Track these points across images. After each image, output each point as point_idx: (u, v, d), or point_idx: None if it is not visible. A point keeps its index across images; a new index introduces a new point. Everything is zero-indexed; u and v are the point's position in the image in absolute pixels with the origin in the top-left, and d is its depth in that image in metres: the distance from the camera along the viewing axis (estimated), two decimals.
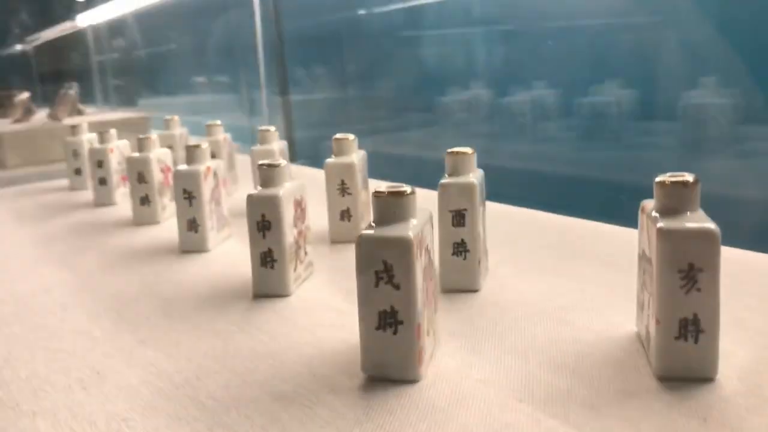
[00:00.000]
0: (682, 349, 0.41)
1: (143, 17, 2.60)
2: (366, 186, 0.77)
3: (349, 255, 0.69)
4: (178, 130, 1.17)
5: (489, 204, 0.62)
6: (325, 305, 0.57)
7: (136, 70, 2.79)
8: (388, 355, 0.43)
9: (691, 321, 0.40)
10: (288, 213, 0.59)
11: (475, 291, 0.58)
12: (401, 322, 0.43)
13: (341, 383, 0.44)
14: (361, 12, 1.56)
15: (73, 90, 1.76)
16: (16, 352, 0.52)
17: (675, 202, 0.42)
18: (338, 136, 0.75)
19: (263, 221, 0.59)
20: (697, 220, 0.40)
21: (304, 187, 0.64)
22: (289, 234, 0.60)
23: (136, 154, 0.90)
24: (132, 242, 0.82)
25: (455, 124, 1.43)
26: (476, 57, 1.33)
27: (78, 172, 1.21)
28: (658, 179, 0.42)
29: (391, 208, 0.44)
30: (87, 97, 3.45)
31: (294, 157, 1.66)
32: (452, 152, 0.59)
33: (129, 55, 2.81)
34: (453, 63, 1.38)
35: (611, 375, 0.42)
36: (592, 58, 1.08)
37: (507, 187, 1.20)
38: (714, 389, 0.40)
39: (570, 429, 0.37)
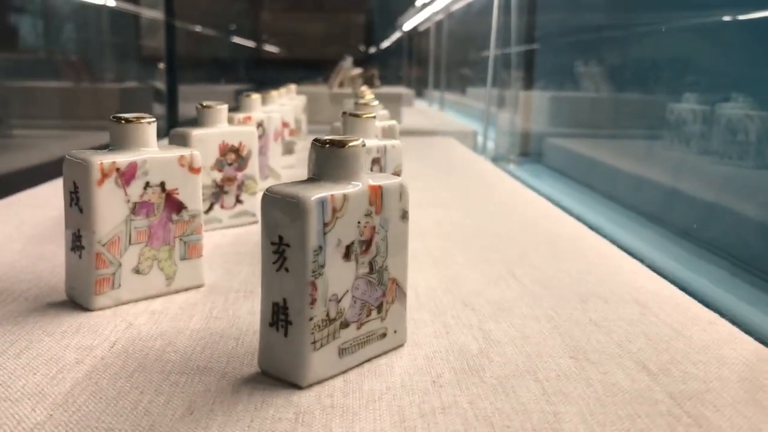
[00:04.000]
0: (274, 340, 0.34)
1: (466, 16, 2.69)
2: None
3: None
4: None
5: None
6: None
7: (464, 62, 2.90)
8: (75, 279, 0.43)
9: (282, 307, 0.33)
10: (204, 152, 0.60)
11: None
12: (83, 247, 0.42)
13: (33, 304, 0.45)
14: (618, 13, 1.42)
15: (346, 62, 1.91)
16: None
17: (319, 166, 0.35)
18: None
19: None
20: (308, 190, 0.33)
21: (250, 136, 0.64)
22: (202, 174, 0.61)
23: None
24: None
25: (684, 138, 1.24)
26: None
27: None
28: (315, 138, 0.35)
29: (122, 134, 0.44)
30: (421, 82, 3.70)
31: (525, 152, 1.60)
32: (348, 113, 0.54)
33: (458, 48, 2.93)
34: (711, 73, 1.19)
35: (239, 356, 0.37)
36: None
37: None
38: (295, 397, 0.32)
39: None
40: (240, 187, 0.64)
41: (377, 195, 0.35)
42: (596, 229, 0.95)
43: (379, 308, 0.36)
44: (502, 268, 0.53)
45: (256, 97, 0.81)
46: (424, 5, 3.11)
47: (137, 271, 0.44)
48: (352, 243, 0.34)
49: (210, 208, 0.62)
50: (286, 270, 0.33)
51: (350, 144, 0.34)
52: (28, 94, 1.46)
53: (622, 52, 1.39)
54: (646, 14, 1.25)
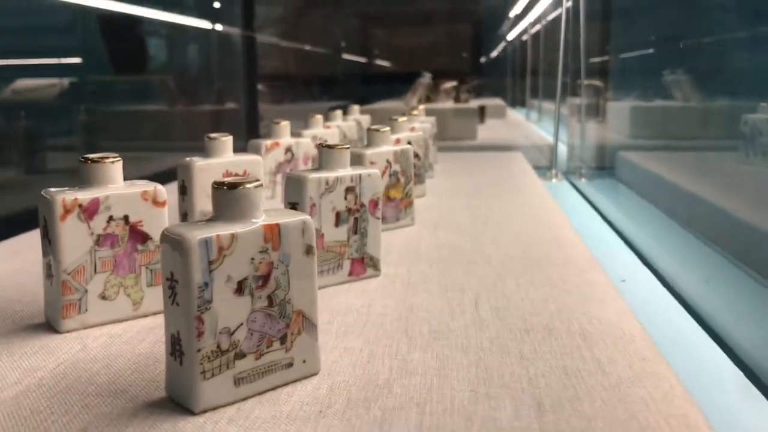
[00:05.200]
0: (173, 368, 0.37)
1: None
2: None
3: None
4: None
5: None
6: None
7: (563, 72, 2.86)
8: (48, 304, 0.48)
9: (177, 339, 0.36)
10: (207, 181, 0.65)
11: None
12: (52, 275, 0.47)
13: (15, 325, 0.50)
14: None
15: (425, 79, 1.93)
16: None
17: (216, 206, 0.37)
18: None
19: (182, 185, 0.65)
20: (197, 229, 0.35)
21: (255, 164, 0.67)
22: (207, 202, 0.65)
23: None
24: None
25: (761, 150, 1.18)
26: None
27: None
28: (214, 181, 0.38)
29: (89, 172, 0.48)
30: (523, 92, 3.66)
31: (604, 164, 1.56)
32: (322, 145, 0.57)
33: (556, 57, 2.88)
34: None
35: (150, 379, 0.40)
36: None
37: None
38: (183, 422, 0.35)
39: None
40: None
41: (274, 233, 0.37)
42: (645, 258, 0.92)
43: (283, 339, 0.38)
44: (471, 296, 0.53)
45: (285, 123, 0.84)
46: (517, 17, 3.09)
47: (103, 297, 0.48)
48: (245, 278, 0.36)
49: None
50: (177, 304, 0.35)
51: (244, 185, 0.37)
52: (123, 118, 1.57)
53: (711, 60, 1.34)
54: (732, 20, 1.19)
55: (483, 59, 5.27)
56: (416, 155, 0.95)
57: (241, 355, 0.37)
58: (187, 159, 0.65)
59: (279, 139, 0.84)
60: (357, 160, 0.73)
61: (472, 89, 3.84)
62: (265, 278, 0.37)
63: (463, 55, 4.84)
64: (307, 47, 3.64)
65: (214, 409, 0.36)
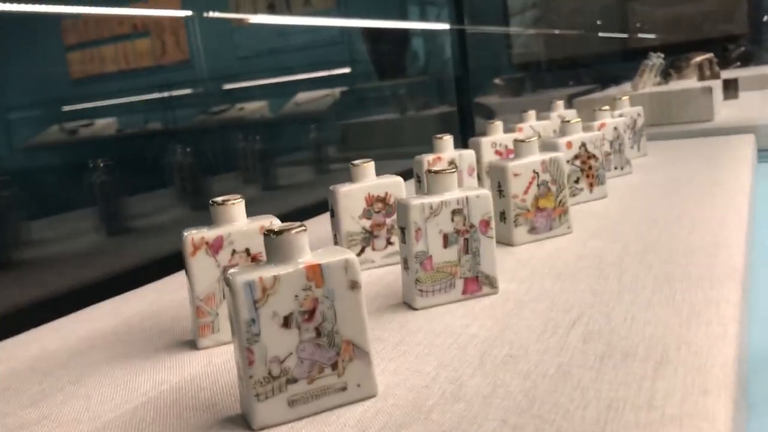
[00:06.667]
0: (241, 391, 0.43)
1: None
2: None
3: None
4: None
5: None
6: None
7: None
8: (191, 325, 0.57)
9: (239, 366, 0.42)
10: (351, 205, 0.71)
11: (414, 308, 0.59)
12: (192, 302, 0.56)
13: (172, 341, 0.60)
14: None
15: (651, 61, 1.81)
16: None
17: (268, 252, 0.43)
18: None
19: (331, 209, 0.72)
20: (245, 272, 0.41)
21: (396, 186, 0.72)
22: (351, 223, 0.71)
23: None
24: None
25: None
26: None
27: None
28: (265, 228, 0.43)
29: (216, 213, 0.56)
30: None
31: None
32: (429, 170, 0.60)
33: None
34: None
35: None
36: None
37: None
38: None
39: None
40: (390, 231, 0.73)
41: (316, 272, 0.42)
42: None
43: (334, 366, 0.43)
44: (573, 316, 0.53)
45: (447, 137, 0.88)
46: None
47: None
48: (291, 314, 0.41)
49: (362, 251, 0.72)
50: (235, 336, 0.41)
51: (288, 231, 0.42)
52: (352, 129, 1.70)
53: None
54: None
55: (766, 18, 4.74)
56: (593, 156, 0.93)
57: (293, 380, 0.42)
58: (333, 186, 0.71)
59: (442, 154, 0.87)
60: (500, 172, 0.74)
61: (737, 57, 3.49)
62: (311, 313, 0.42)
63: (736, 17, 4.40)
64: (557, 31, 3.58)
65: (273, 426, 0.41)
